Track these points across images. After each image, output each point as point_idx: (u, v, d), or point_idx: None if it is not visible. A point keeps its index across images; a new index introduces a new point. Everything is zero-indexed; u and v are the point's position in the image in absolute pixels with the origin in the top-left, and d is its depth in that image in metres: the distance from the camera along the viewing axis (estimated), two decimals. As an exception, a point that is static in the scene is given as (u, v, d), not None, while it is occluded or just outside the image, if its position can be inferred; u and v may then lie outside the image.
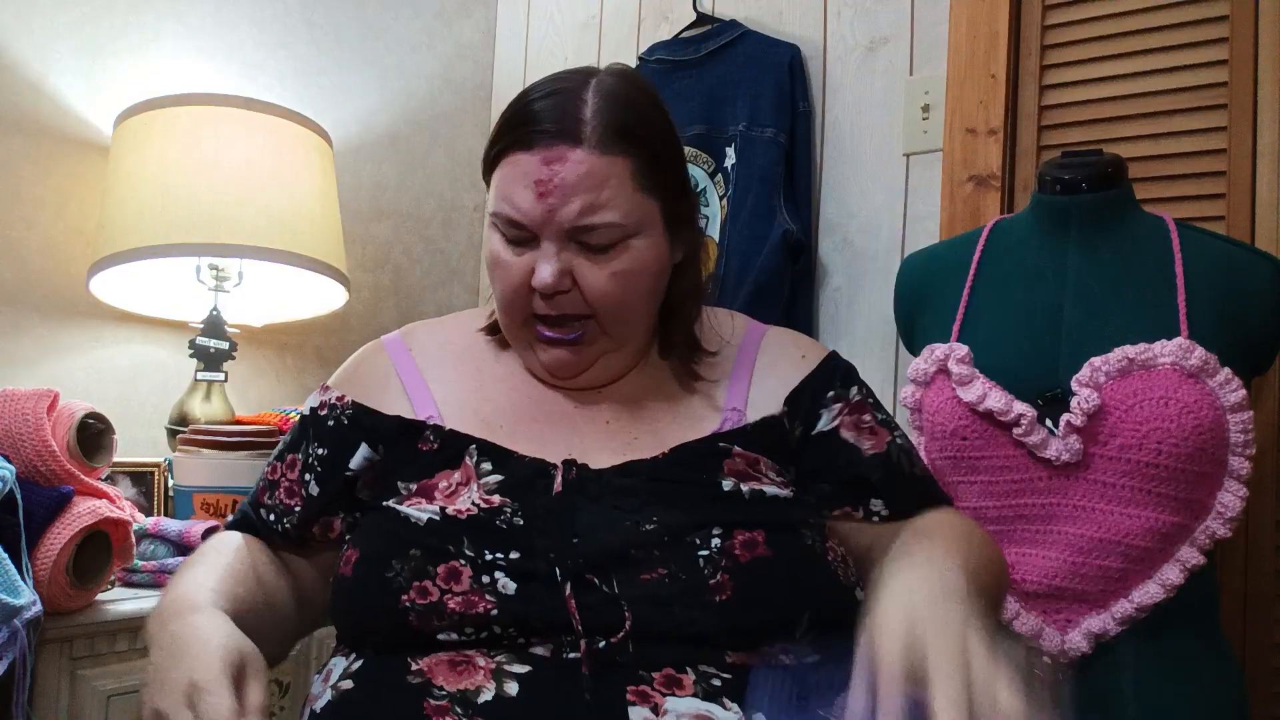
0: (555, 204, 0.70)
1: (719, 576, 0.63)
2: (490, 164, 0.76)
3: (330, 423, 0.76)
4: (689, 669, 0.61)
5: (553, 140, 0.70)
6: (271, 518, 0.77)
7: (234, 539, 0.76)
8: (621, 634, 0.61)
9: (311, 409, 0.79)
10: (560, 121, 0.71)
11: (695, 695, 0.59)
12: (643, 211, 0.73)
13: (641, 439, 0.74)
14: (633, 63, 1.76)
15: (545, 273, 0.70)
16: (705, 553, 0.64)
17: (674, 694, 0.59)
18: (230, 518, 0.83)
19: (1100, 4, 1.37)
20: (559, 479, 0.69)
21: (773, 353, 0.82)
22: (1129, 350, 0.93)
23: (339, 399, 0.77)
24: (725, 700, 0.60)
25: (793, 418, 0.76)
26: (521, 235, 0.72)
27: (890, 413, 0.81)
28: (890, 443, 0.77)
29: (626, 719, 0.58)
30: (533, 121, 0.72)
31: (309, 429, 0.78)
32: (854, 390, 0.79)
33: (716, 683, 0.61)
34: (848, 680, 0.56)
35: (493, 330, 0.83)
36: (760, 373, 0.80)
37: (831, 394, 0.78)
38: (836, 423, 0.76)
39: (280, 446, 0.81)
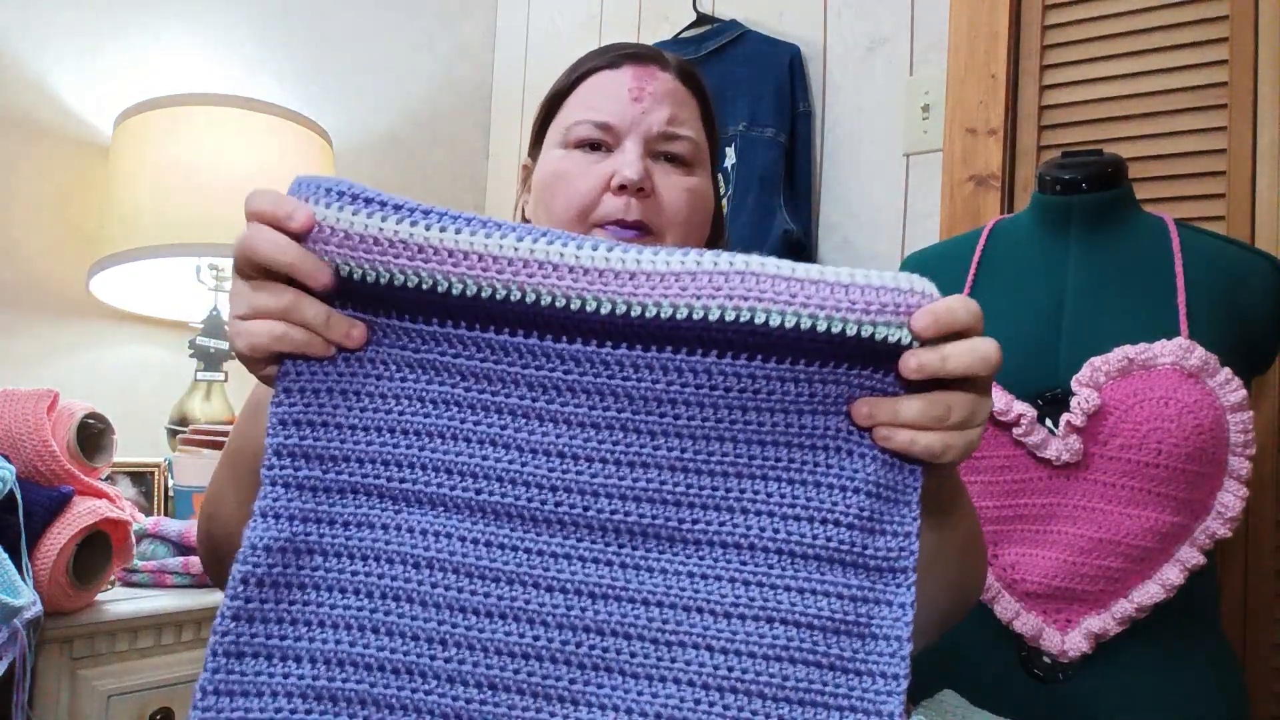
0: (648, 107, 0.76)
1: None
2: (561, 94, 0.82)
3: None
4: None
5: (643, 60, 0.79)
6: None
7: None
8: None
9: None
10: (646, 50, 0.80)
11: None
12: (705, 147, 0.81)
13: None
14: (633, 63, 1.76)
15: (632, 169, 0.74)
16: None
17: None
18: None
19: (1100, 4, 1.37)
20: None
21: None
22: (1129, 350, 0.93)
23: None
24: None
25: None
26: (604, 139, 0.77)
27: None
28: None
29: None
30: (619, 49, 0.80)
31: None
32: None
33: None
34: None
35: None
36: None
37: None
38: None
39: None
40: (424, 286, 0.49)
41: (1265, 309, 0.96)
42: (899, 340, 0.48)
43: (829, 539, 0.50)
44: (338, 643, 0.49)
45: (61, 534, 0.94)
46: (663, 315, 0.48)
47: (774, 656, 0.49)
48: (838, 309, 0.47)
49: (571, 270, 0.48)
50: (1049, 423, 0.97)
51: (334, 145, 1.59)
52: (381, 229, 0.48)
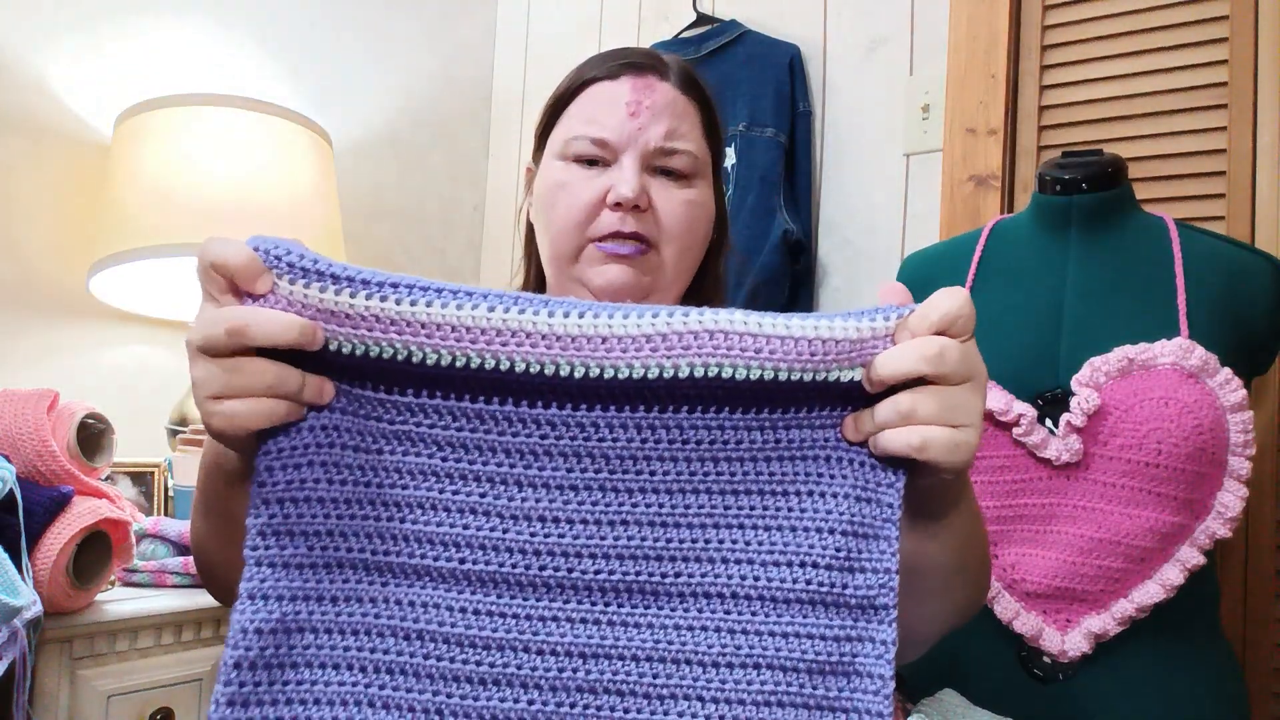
0: (645, 123, 0.75)
1: None
2: (562, 102, 0.81)
3: None
4: None
5: (642, 71, 0.77)
6: None
7: None
8: None
9: None
10: (647, 59, 0.78)
11: None
12: (705, 157, 0.79)
13: None
14: (633, 63, 1.76)
15: (628, 186, 0.73)
16: None
17: None
18: None
19: (1100, 4, 1.37)
20: None
21: None
22: (1129, 350, 0.93)
23: None
24: None
25: None
26: (601, 156, 0.76)
27: None
28: None
29: None
30: (620, 57, 0.78)
31: None
32: None
33: None
34: None
35: None
36: None
37: None
38: None
39: None
40: (399, 358, 0.49)
41: (1265, 309, 0.96)
42: (851, 379, 0.50)
43: (808, 581, 0.51)
44: (334, 719, 0.50)
45: (61, 534, 0.94)
46: (634, 375, 0.49)
47: (762, 701, 0.50)
48: (798, 360, 0.49)
49: (544, 337, 0.49)
50: (1049, 423, 0.97)
51: (334, 145, 1.59)
52: (352, 304, 0.48)
